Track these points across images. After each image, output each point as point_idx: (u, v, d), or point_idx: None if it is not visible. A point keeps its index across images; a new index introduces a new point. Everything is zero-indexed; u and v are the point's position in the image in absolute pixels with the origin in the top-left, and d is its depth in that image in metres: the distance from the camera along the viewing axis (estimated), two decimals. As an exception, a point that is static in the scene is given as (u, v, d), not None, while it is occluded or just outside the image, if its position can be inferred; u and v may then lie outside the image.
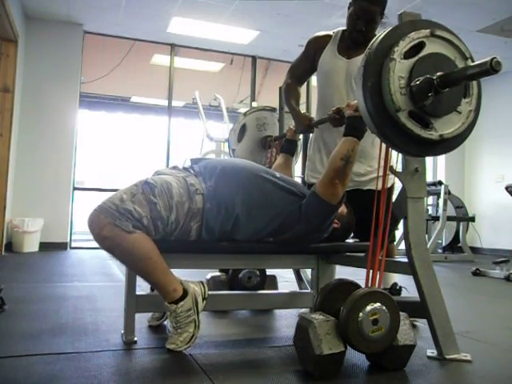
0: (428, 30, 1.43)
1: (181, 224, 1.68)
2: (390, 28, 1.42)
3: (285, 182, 1.89)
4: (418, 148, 1.44)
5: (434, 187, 6.35)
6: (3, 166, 4.90)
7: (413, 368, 1.51)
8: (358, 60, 2.21)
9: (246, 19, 5.50)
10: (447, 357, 1.60)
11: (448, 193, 6.06)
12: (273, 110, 2.94)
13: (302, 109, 2.49)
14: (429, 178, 6.96)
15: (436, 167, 7.75)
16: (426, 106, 1.37)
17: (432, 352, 1.64)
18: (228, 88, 7.44)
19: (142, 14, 5.41)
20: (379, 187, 2.13)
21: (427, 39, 1.42)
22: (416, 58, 1.39)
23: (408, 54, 1.39)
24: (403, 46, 1.38)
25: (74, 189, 5.83)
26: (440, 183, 6.35)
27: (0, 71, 4.86)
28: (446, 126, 1.43)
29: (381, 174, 1.72)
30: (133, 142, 8.99)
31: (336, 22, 5.19)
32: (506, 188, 4.83)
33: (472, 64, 1.37)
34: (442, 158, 7.64)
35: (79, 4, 5.21)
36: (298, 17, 5.33)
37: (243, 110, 7.83)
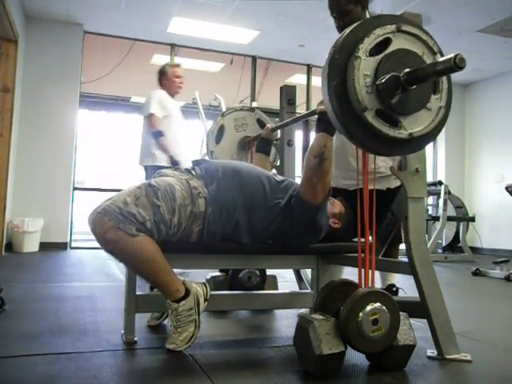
0: (394, 26, 1.37)
1: (183, 227, 1.69)
2: (355, 25, 1.38)
3: (284, 185, 1.89)
4: (388, 147, 1.40)
5: (434, 187, 6.35)
6: (3, 166, 4.90)
7: (413, 368, 1.51)
8: None
9: (246, 19, 5.50)
10: (447, 357, 1.60)
11: (448, 193, 6.06)
12: (251, 109, 2.88)
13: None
14: (429, 178, 6.96)
15: (436, 167, 7.75)
16: (394, 104, 1.33)
17: (432, 352, 1.64)
18: (228, 88, 7.43)
19: (142, 14, 5.42)
20: (383, 187, 2.12)
21: (393, 35, 1.37)
22: (382, 54, 1.34)
23: (374, 51, 1.34)
24: (368, 42, 1.33)
25: (74, 189, 5.83)
26: (440, 183, 6.35)
27: (0, 71, 4.86)
28: (416, 124, 1.38)
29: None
30: (133, 142, 8.99)
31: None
32: (506, 188, 4.83)
33: (436, 61, 1.33)
34: (441, 158, 7.65)
35: (79, 4, 5.21)
36: (298, 17, 5.32)
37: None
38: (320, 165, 1.70)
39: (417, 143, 1.43)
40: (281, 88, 2.81)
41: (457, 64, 1.19)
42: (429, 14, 4.96)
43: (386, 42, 1.36)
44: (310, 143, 1.77)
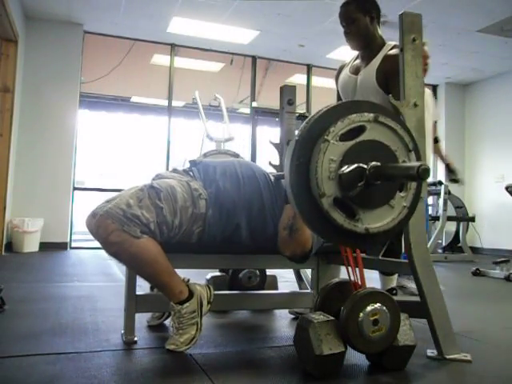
0: (372, 115, 1.31)
1: (183, 228, 1.68)
2: (333, 105, 1.34)
3: (279, 185, 1.88)
4: (340, 237, 1.34)
5: (434, 187, 6.35)
6: (3, 166, 4.90)
7: (413, 368, 1.51)
8: (366, 72, 2.25)
9: (246, 19, 5.50)
10: (447, 357, 1.60)
11: (448, 193, 6.05)
12: (236, 155, 2.80)
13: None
14: (429, 178, 6.94)
15: (436, 167, 7.74)
16: (353, 195, 1.27)
17: (432, 352, 1.64)
18: (228, 88, 7.44)
19: (142, 14, 5.42)
20: None
21: (369, 124, 1.31)
22: (353, 141, 1.29)
23: (345, 137, 1.29)
24: (341, 127, 1.28)
25: (74, 189, 5.84)
26: (440, 183, 6.35)
27: (0, 71, 4.86)
28: (375, 220, 1.32)
29: None
30: (133, 142, 8.99)
31: (336, 22, 5.19)
32: (506, 188, 4.83)
33: (403, 165, 1.29)
34: (442, 158, 7.64)
35: (79, 4, 5.21)
36: (298, 17, 5.33)
37: (243, 109, 7.84)
38: (291, 237, 1.67)
39: (372, 239, 1.36)
40: (281, 88, 2.81)
41: (419, 174, 1.16)
42: (429, 14, 4.96)
43: (360, 129, 1.31)
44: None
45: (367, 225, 1.31)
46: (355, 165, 1.26)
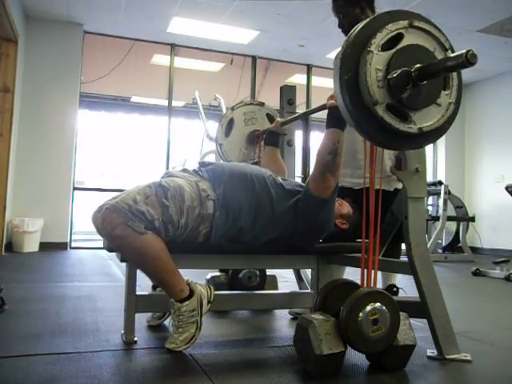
0: (406, 21, 1.38)
1: (189, 228, 1.70)
2: (368, 20, 1.39)
3: (288, 190, 1.88)
4: (397, 141, 1.41)
5: (434, 187, 6.35)
6: (3, 166, 4.90)
7: (413, 368, 1.51)
8: None
9: (246, 19, 5.50)
10: (447, 357, 1.60)
11: (448, 193, 6.06)
12: (261, 104, 2.86)
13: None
14: (429, 178, 6.96)
15: (436, 167, 7.75)
16: (404, 98, 1.34)
17: (432, 352, 1.64)
18: (228, 88, 7.43)
19: (142, 14, 5.42)
20: (390, 188, 2.13)
21: (405, 30, 1.38)
22: (394, 49, 1.36)
23: (386, 46, 1.36)
24: (381, 37, 1.35)
25: (74, 189, 5.83)
26: (440, 183, 6.35)
27: (0, 71, 4.86)
28: (425, 119, 1.39)
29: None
30: (133, 142, 9.00)
31: (336, 22, 5.19)
32: (506, 188, 4.83)
33: (448, 56, 1.34)
34: (441, 158, 7.65)
35: (79, 4, 5.21)
36: (297, 17, 5.33)
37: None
38: (334, 160, 1.73)
39: (426, 138, 1.44)
40: (281, 88, 2.81)
41: (468, 60, 1.19)
42: (428, 14, 4.97)
43: (398, 38, 1.37)
44: (322, 140, 1.77)
45: (420, 124, 1.38)
46: (401, 69, 1.32)
